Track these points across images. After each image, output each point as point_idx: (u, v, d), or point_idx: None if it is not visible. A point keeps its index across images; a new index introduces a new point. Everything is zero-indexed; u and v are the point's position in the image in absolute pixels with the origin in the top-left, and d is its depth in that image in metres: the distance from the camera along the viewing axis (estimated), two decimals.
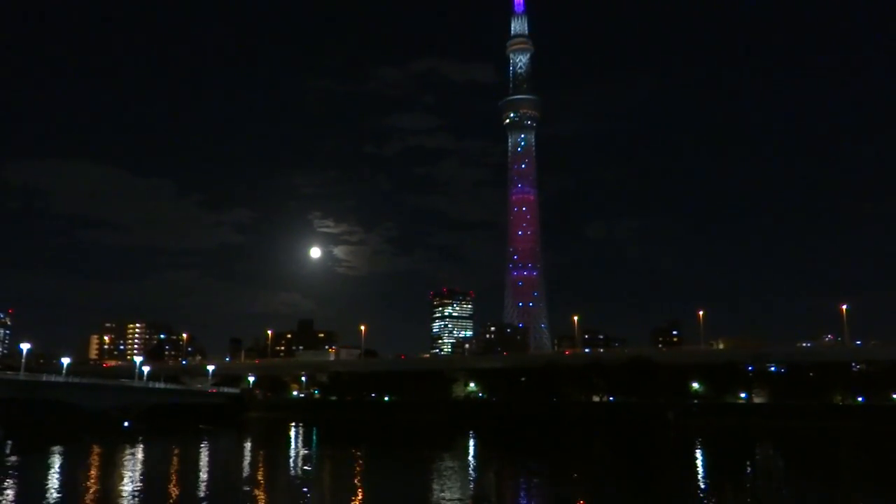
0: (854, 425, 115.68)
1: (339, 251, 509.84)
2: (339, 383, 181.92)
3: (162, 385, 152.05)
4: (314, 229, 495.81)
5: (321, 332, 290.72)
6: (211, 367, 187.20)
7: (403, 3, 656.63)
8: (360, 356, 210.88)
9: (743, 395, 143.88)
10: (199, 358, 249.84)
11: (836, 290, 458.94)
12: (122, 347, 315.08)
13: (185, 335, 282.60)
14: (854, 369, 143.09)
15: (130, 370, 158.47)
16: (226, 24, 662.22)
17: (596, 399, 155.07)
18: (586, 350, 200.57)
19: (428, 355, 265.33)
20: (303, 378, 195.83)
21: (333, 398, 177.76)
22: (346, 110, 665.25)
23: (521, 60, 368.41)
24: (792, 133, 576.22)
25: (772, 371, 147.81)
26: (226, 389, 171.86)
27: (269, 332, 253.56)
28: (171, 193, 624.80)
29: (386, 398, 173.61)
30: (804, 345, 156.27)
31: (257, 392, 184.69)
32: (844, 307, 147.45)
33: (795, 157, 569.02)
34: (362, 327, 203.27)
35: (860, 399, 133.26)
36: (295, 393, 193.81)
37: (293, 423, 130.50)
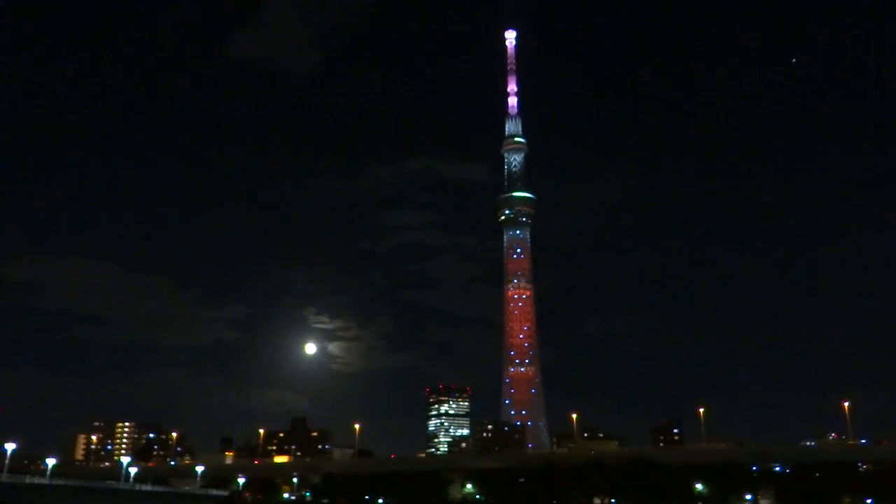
0: None
1: (333, 347, 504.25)
2: (332, 485, 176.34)
3: (148, 488, 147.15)
4: (309, 325, 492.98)
5: (315, 431, 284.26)
6: (200, 468, 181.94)
7: (399, 106, 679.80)
8: (354, 456, 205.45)
9: (748, 496, 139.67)
10: (187, 458, 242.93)
11: (839, 387, 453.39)
12: (109, 447, 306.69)
13: (174, 434, 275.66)
14: (861, 469, 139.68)
15: (118, 472, 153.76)
16: (220, 121, 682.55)
17: (597, 501, 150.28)
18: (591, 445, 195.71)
19: (423, 454, 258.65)
20: (294, 479, 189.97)
21: (326, 501, 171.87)
22: (341, 208, 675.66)
23: (515, 159, 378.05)
24: (795, 226, 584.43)
25: (777, 471, 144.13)
26: (214, 492, 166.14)
27: (261, 430, 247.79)
28: (166, 289, 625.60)
29: (381, 500, 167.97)
30: (808, 444, 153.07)
31: (247, 495, 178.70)
32: (846, 404, 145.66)
33: (798, 252, 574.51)
34: (356, 426, 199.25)
35: (869, 501, 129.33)
36: (286, 495, 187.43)
37: None
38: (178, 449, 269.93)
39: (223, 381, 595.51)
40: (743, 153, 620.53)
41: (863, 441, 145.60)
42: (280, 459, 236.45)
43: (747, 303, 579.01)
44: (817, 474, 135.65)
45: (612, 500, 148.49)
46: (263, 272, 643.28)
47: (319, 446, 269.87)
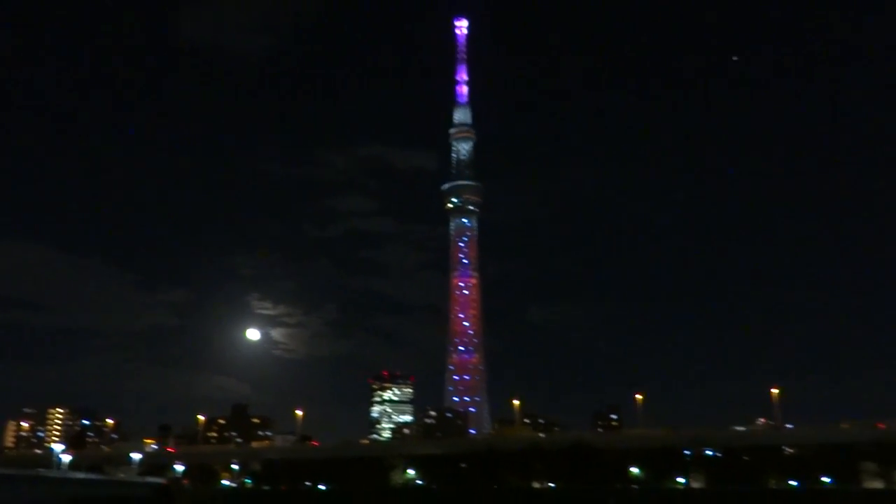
0: None
1: (276, 334, 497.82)
2: (273, 472, 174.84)
3: (82, 475, 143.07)
4: (252, 311, 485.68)
5: (256, 418, 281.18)
6: (136, 456, 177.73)
7: (349, 92, 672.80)
8: (296, 443, 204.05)
9: (682, 479, 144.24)
10: (123, 445, 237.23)
11: (771, 374, 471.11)
12: (41, 434, 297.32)
13: (110, 421, 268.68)
14: (786, 453, 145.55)
15: (49, 459, 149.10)
16: (167, 104, 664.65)
17: (536, 485, 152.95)
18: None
19: (366, 441, 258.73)
20: (234, 466, 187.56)
21: (266, 487, 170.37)
22: (288, 193, 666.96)
23: (463, 148, 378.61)
24: (738, 219, 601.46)
25: (709, 455, 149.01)
26: (151, 479, 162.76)
27: (201, 417, 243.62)
28: (104, 273, 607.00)
29: (322, 487, 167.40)
30: (739, 429, 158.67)
31: (186, 482, 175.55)
32: (776, 391, 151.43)
33: (737, 244, 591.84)
34: (299, 412, 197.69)
35: (792, 482, 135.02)
36: (226, 482, 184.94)
37: None
38: (115, 436, 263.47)
39: (162, 367, 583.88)
40: (690, 147, 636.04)
41: (789, 426, 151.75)
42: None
43: (687, 293, 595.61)
44: (746, 458, 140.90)
45: (551, 484, 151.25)
46: (206, 257, 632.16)
47: (261, 433, 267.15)
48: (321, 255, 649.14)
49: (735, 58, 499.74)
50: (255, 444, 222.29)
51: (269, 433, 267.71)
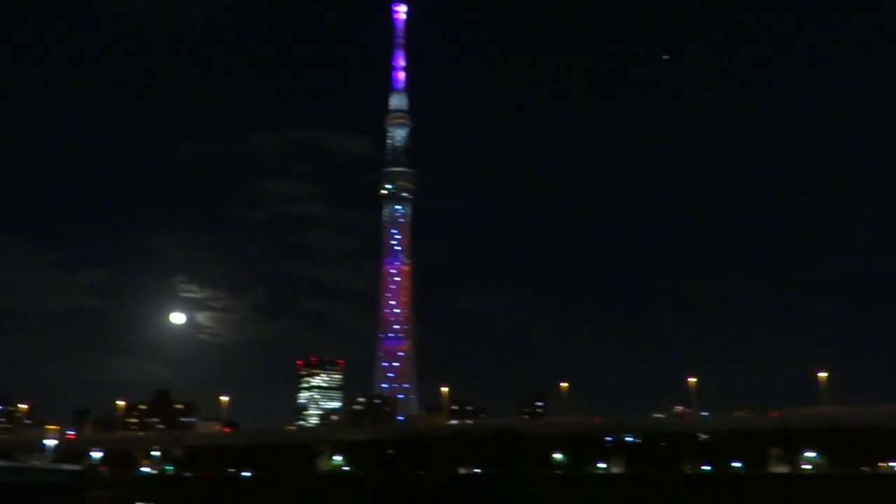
0: (700, 494, 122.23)
1: (202, 317, 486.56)
2: (196, 458, 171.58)
3: None
4: (177, 294, 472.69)
5: (179, 404, 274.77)
6: (51, 442, 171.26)
7: (282, 72, 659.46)
8: (221, 429, 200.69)
9: (602, 465, 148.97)
10: (37, 431, 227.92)
11: (688, 363, 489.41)
12: None
13: (23, 406, 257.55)
14: (701, 439, 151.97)
15: None
16: (89, 76, 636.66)
17: (462, 471, 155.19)
18: (454, 421, 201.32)
19: (293, 427, 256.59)
20: (154, 453, 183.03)
21: (189, 475, 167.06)
22: (217, 174, 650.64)
23: (399, 134, 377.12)
24: (664, 211, 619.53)
25: (628, 441, 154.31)
26: (66, 466, 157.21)
27: (120, 402, 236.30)
28: (18, 251, 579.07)
29: (246, 474, 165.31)
30: (657, 416, 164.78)
31: (103, 469, 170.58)
32: (693, 380, 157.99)
33: (662, 236, 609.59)
34: (224, 398, 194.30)
35: (706, 467, 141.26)
36: (146, 469, 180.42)
37: None
38: (28, 421, 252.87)
39: (80, 350, 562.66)
40: (620, 138, 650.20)
41: (704, 413, 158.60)
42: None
43: (614, 284, 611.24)
44: (663, 444, 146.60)
45: (477, 470, 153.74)
46: (130, 237, 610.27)
47: (184, 419, 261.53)
48: (250, 238, 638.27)
49: (666, 56, 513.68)
50: (194, 430, 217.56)
51: (192, 419, 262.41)
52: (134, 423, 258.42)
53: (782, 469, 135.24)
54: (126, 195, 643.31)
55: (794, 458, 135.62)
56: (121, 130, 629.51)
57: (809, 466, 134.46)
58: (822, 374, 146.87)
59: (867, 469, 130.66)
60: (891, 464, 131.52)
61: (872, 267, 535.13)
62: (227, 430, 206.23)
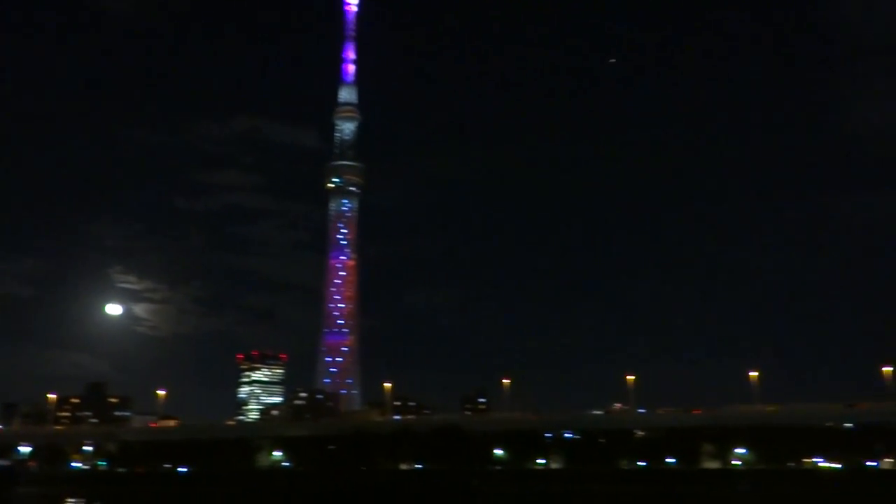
0: (636, 489, 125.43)
1: (140, 309, 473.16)
2: (131, 453, 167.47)
3: None
4: (113, 284, 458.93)
5: (114, 397, 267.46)
6: None
7: (229, 60, 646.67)
8: (157, 423, 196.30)
9: (542, 460, 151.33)
10: None
11: (629, 361, 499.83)
12: None
13: None
14: (638, 436, 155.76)
15: None
16: (22, 58, 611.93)
17: (404, 467, 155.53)
18: (396, 417, 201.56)
19: (232, 422, 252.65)
20: (86, 448, 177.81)
21: (122, 470, 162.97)
22: (158, 162, 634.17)
23: (347, 128, 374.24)
24: (597, 214, 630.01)
25: (568, 438, 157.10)
26: None
27: (51, 395, 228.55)
28: None
29: (183, 469, 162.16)
30: (596, 413, 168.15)
31: (32, 464, 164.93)
32: (631, 378, 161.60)
33: (606, 235, 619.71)
34: (161, 392, 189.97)
35: (642, 463, 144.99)
36: (78, 464, 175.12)
37: (72, 500, 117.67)
38: None
39: (11, 341, 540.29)
40: (575, 136, 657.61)
41: (641, 410, 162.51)
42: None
43: (558, 282, 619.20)
44: (601, 440, 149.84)
45: (418, 465, 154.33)
46: (65, 225, 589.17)
47: (119, 413, 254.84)
48: (192, 228, 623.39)
49: (612, 60, 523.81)
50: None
51: (127, 413, 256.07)
52: (66, 417, 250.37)
53: (714, 465, 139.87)
54: (62, 182, 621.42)
55: (725, 454, 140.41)
56: (58, 115, 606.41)
57: (739, 462, 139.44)
58: (753, 374, 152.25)
59: (793, 465, 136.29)
60: (814, 460, 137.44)
61: (805, 271, 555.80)
62: (153, 424, 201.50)
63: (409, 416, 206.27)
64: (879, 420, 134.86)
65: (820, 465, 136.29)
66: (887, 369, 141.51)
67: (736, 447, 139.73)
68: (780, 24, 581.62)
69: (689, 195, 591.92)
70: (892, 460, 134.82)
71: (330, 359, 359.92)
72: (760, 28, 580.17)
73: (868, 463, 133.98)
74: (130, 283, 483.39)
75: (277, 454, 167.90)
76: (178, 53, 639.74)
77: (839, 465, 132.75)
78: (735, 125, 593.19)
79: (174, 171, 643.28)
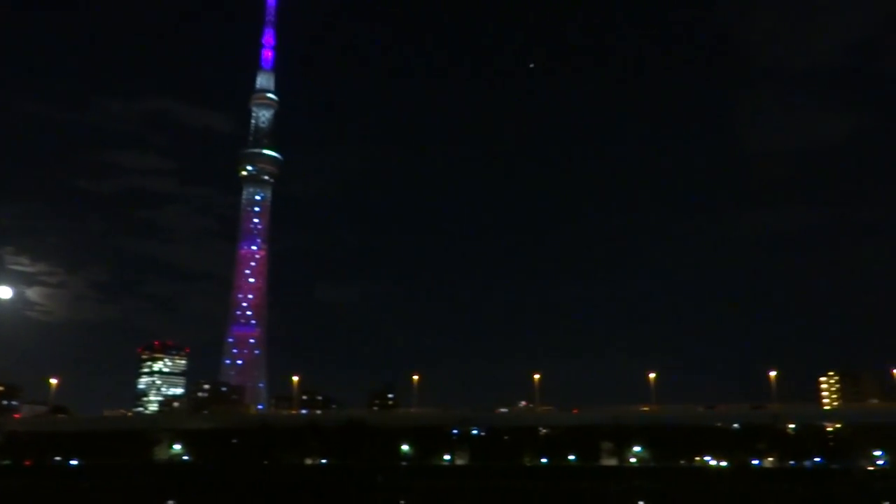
0: (537, 485, 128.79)
1: (32, 293, 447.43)
2: (17, 445, 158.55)
3: None
4: (4, 266, 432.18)
5: (0, 386, 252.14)
6: None
7: (139, 35, 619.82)
8: (48, 414, 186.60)
9: (447, 457, 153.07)
10: None
11: (537, 360, 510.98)
12: None
13: None
14: (542, 433, 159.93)
15: None
16: None
17: (308, 462, 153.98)
18: (303, 411, 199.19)
19: (130, 413, 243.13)
20: None
21: (7, 462, 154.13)
22: (59, 139, 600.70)
23: (264, 115, 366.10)
24: (507, 215, 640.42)
25: (474, 434, 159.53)
26: None
27: None
28: None
29: (74, 462, 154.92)
30: (502, 410, 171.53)
31: None
32: (537, 376, 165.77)
33: (524, 235, 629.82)
34: (53, 381, 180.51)
35: (544, 460, 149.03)
36: None
37: None
38: None
39: None
40: (485, 136, 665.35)
41: (546, 408, 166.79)
42: None
43: (470, 281, 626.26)
44: (506, 437, 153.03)
45: (323, 461, 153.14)
46: None
47: (5, 402, 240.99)
48: (93, 210, 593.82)
49: (532, 64, 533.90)
50: None
51: (14, 402, 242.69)
52: None
53: (612, 462, 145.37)
54: None
55: (623, 451, 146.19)
56: None
57: (634, 460, 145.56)
58: (652, 374, 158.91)
59: (684, 462, 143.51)
60: (705, 458, 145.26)
61: (708, 275, 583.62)
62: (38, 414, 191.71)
63: (316, 411, 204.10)
64: (762, 421, 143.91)
65: (709, 463, 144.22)
66: (773, 374, 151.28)
67: (633, 445, 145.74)
68: (685, 43, 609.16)
69: (603, 202, 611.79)
70: (772, 459, 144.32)
71: (237, 351, 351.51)
72: (669, 49, 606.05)
73: (753, 462, 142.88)
74: (23, 264, 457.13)
75: (177, 448, 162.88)
76: (87, 26, 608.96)
77: (726, 463, 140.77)
78: (650, 139, 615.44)
79: (76, 149, 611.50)
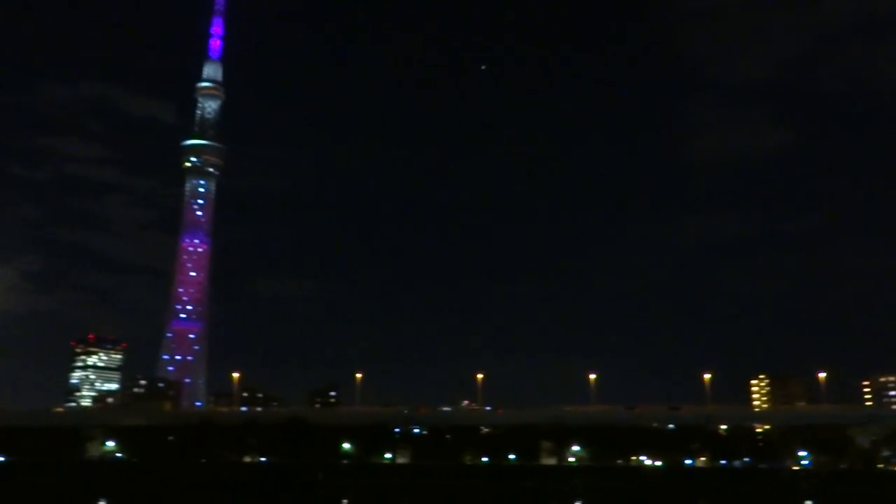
0: (477, 484, 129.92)
1: None
2: None
3: None
4: None
5: None
6: None
7: (80, 17, 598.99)
8: None
9: (388, 455, 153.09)
10: None
11: (480, 359, 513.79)
12: None
13: None
14: (483, 432, 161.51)
15: None
16: None
17: (247, 459, 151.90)
18: (243, 408, 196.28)
19: (61, 409, 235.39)
20: None
21: None
22: None
23: (209, 106, 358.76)
24: (456, 213, 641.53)
25: (416, 433, 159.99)
26: None
27: None
28: None
29: (2, 458, 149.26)
30: (445, 409, 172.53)
31: None
32: (480, 376, 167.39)
33: (461, 235, 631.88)
34: None
35: (484, 458, 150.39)
36: None
37: None
38: None
39: None
40: (438, 131, 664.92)
41: (487, 408, 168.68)
42: None
43: (415, 279, 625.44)
44: (448, 436, 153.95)
45: (263, 459, 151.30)
46: None
47: None
48: (26, 198, 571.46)
49: (483, 67, 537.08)
50: None
51: None
52: None
53: (551, 461, 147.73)
54: None
55: (562, 451, 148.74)
56: None
57: (573, 459, 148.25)
58: (592, 376, 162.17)
59: (621, 462, 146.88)
60: (641, 458, 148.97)
61: (647, 283, 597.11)
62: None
63: (256, 408, 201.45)
64: (695, 422, 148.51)
65: (645, 462, 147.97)
66: (707, 376, 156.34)
67: (572, 445, 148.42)
68: (632, 56, 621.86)
69: (550, 206, 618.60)
70: (704, 459, 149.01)
71: (175, 346, 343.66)
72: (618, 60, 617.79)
73: (686, 461, 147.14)
74: None
75: (111, 445, 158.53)
76: (27, 8, 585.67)
77: (660, 463, 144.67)
78: (598, 147, 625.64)
79: (9, 133, 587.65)
